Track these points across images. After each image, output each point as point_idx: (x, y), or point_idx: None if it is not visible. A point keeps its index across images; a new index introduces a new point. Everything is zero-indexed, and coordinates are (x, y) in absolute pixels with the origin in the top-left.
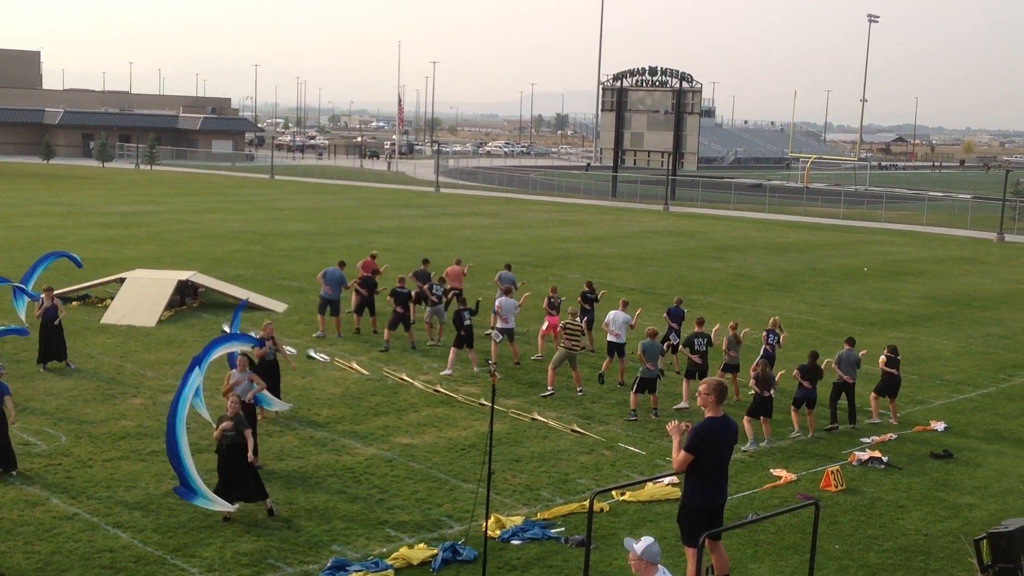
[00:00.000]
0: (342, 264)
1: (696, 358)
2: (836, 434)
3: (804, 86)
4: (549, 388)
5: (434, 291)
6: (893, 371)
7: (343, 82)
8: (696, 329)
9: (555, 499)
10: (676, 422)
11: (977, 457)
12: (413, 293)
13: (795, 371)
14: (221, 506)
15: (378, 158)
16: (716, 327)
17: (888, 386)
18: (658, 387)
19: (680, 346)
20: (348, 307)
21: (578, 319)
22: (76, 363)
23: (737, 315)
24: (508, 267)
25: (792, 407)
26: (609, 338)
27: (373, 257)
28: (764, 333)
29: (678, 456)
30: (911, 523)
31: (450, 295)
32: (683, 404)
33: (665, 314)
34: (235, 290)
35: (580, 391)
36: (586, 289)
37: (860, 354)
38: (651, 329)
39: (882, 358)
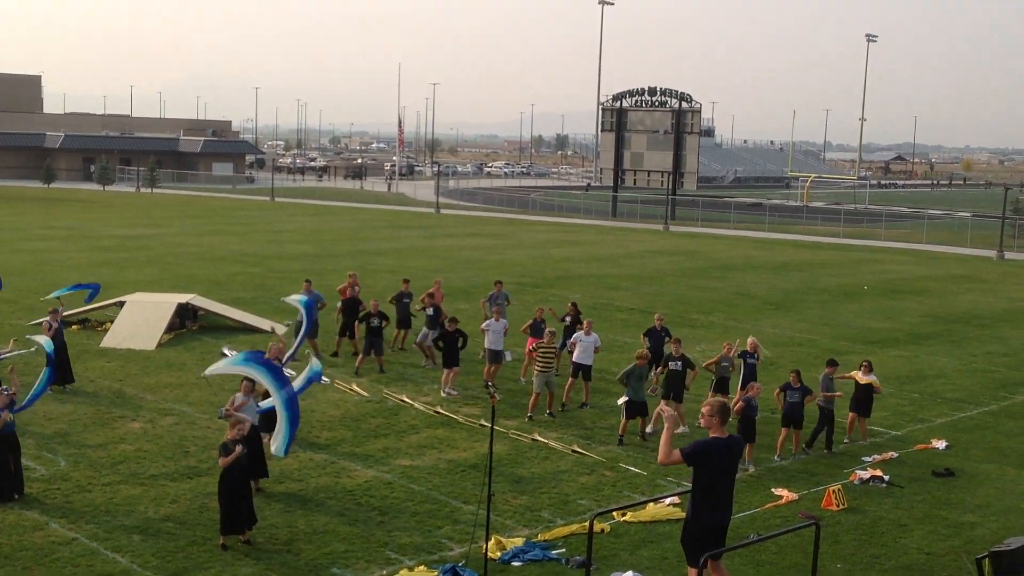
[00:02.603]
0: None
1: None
2: (837, 453)
3: (803, 105)
4: (564, 405)
5: (427, 312)
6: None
7: (343, 104)
8: (673, 349)
9: (556, 520)
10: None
11: (979, 475)
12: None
13: (776, 390)
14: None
15: (363, 178)
16: (717, 356)
17: (862, 402)
18: (648, 410)
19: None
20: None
21: (554, 341)
22: (75, 387)
23: (737, 334)
24: (499, 284)
25: (782, 427)
26: (574, 359)
27: (352, 275)
28: (740, 355)
29: (672, 454)
30: (913, 542)
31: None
32: (649, 428)
33: (643, 335)
34: (235, 313)
35: (552, 413)
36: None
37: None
38: (641, 352)
39: (857, 372)
